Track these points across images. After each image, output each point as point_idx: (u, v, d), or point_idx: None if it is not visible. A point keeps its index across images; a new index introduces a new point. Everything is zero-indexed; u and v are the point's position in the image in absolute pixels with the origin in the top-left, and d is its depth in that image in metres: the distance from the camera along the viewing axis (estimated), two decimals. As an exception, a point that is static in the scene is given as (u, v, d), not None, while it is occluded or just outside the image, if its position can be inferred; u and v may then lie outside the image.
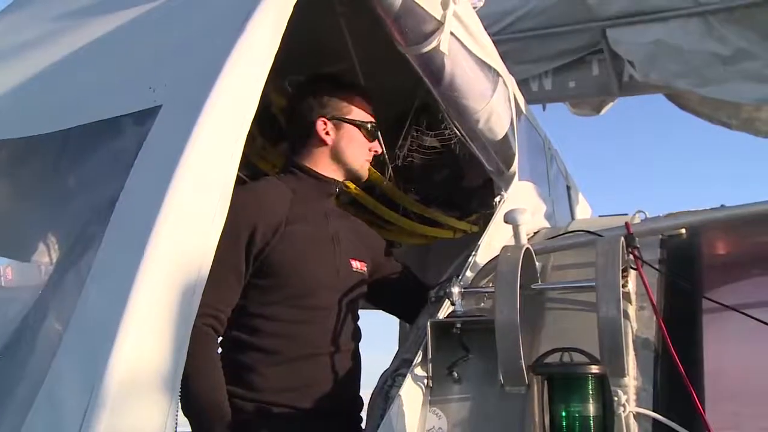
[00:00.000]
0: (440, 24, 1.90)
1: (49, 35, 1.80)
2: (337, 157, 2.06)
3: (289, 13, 1.47)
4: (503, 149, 2.47)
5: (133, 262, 1.15)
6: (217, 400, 1.72)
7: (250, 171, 2.80)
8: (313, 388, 1.85)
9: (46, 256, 1.54)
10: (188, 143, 1.26)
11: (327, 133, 2.05)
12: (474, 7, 2.23)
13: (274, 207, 1.92)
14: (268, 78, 1.44)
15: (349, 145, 2.06)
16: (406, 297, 2.21)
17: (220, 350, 1.90)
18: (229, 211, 1.85)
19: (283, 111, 2.73)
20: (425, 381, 1.74)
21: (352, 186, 2.59)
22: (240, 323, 1.85)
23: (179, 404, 1.19)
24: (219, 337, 1.82)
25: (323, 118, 2.05)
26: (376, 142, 2.13)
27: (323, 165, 2.06)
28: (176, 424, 1.17)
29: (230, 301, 1.83)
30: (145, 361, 1.12)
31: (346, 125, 2.06)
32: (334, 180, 2.07)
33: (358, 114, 2.08)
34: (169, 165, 1.24)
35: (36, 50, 1.76)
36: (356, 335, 2.00)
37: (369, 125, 2.10)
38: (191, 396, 1.70)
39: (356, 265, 2.04)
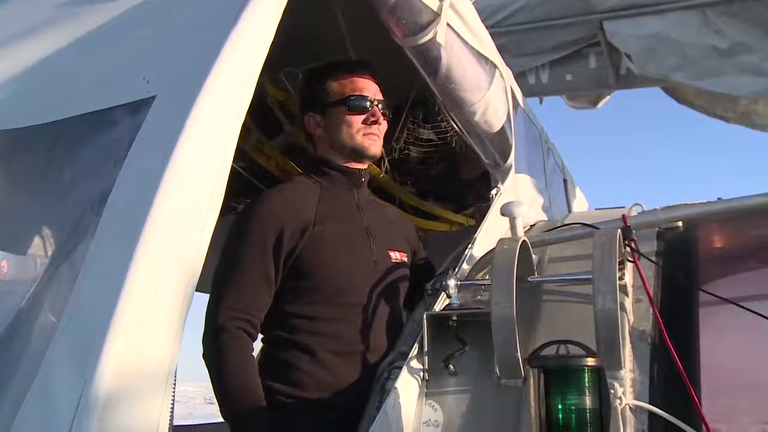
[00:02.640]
0: (437, 15, 1.89)
1: (43, 26, 1.78)
2: (333, 143, 2.01)
3: (285, 4, 1.46)
4: (500, 142, 2.46)
5: (127, 254, 1.14)
6: (254, 399, 1.72)
7: (245, 163, 2.80)
8: (352, 385, 1.82)
9: (40, 249, 1.53)
10: (182, 134, 1.25)
11: (317, 126, 2.03)
12: (471, -1, 2.22)
13: (300, 208, 1.90)
14: (263, 70, 1.43)
15: (337, 127, 2.00)
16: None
17: (261, 347, 1.91)
18: (255, 214, 1.88)
19: (279, 104, 2.73)
20: (421, 374, 1.73)
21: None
22: (280, 323, 1.85)
23: (174, 397, 1.18)
24: (253, 339, 1.82)
25: (309, 113, 2.04)
26: (370, 111, 1.99)
27: (332, 155, 2.02)
28: (171, 417, 1.17)
29: (260, 304, 1.82)
30: (138, 354, 1.12)
31: (329, 109, 2.01)
32: (358, 169, 2.03)
33: (337, 92, 2.00)
34: (163, 155, 1.23)
35: (30, 41, 1.75)
36: (398, 329, 1.95)
37: (351, 98, 1.99)
38: (228, 398, 1.73)
39: (395, 255, 2.01)
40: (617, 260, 1.59)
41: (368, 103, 1.99)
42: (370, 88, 2.02)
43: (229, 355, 1.75)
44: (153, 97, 1.36)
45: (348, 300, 1.87)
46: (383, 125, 2.04)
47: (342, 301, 1.86)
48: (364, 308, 1.88)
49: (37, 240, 1.52)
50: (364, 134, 1.99)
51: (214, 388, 1.75)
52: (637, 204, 2.16)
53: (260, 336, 1.91)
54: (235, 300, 1.78)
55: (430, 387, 1.73)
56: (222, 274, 1.82)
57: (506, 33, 3.91)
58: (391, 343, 1.90)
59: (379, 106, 2.01)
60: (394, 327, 1.94)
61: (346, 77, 2.02)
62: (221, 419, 1.76)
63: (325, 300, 1.85)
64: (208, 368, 1.76)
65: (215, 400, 1.75)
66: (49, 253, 1.45)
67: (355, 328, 1.86)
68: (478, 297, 1.93)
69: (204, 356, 1.77)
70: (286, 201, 1.92)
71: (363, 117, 1.99)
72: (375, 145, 2.02)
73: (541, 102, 4.47)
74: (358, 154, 2.00)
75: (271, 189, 2.05)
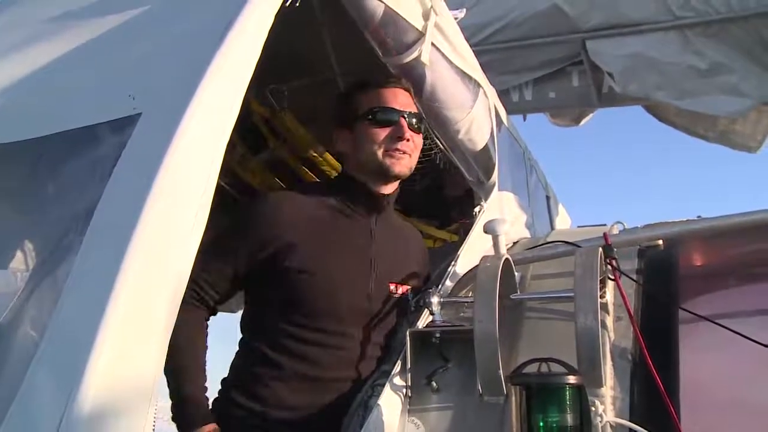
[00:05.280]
0: (421, 35, 1.91)
1: (28, 41, 1.78)
2: (358, 160, 1.91)
3: (271, 22, 1.47)
4: (483, 159, 2.48)
5: (111, 271, 1.14)
6: (184, 364, 1.69)
7: (230, 179, 2.80)
8: (320, 411, 1.75)
9: (23, 265, 1.52)
10: (168, 151, 1.25)
11: (344, 142, 1.94)
12: (455, 18, 2.25)
13: (301, 218, 1.82)
14: (249, 87, 1.43)
15: (362, 143, 1.89)
16: None
17: (236, 353, 1.88)
18: (252, 209, 1.85)
19: (264, 120, 2.74)
20: (404, 390, 1.73)
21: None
22: (261, 336, 1.81)
23: (156, 414, 1.18)
24: (208, 312, 1.81)
25: (338, 129, 1.96)
26: (394, 125, 1.87)
27: (358, 174, 1.92)
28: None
29: (214, 283, 1.78)
30: (122, 372, 1.11)
31: (356, 124, 1.90)
32: (382, 194, 1.92)
33: (364, 106, 1.90)
34: (148, 173, 1.23)
35: (14, 56, 1.75)
36: (381, 362, 1.85)
37: (375, 111, 1.87)
38: (171, 374, 1.67)
39: (395, 289, 1.90)
40: (598, 278, 1.61)
41: (394, 115, 1.87)
42: (398, 100, 1.90)
43: (179, 326, 1.61)
44: (138, 114, 1.36)
45: (330, 327, 1.80)
46: (415, 141, 1.91)
47: (323, 326, 1.79)
48: (347, 338, 1.81)
49: (20, 256, 1.51)
50: (386, 150, 1.86)
51: None
52: (618, 222, 2.18)
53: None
54: (198, 274, 1.71)
55: (413, 404, 1.74)
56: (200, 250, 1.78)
57: (490, 51, 3.95)
58: (369, 376, 1.81)
59: (410, 119, 1.89)
60: (376, 359, 1.85)
61: (374, 90, 1.91)
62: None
63: (304, 320, 1.79)
64: None
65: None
66: (32, 269, 1.45)
67: (332, 357, 1.79)
68: (461, 314, 1.94)
69: None
70: (288, 208, 1.85)
71: (388, 131, 1.87)
72: (400, 164, 1.87)
73: (524, 119, 4.51)
74: (382, 173, 1.88)
75: (282, 191, 1.98)
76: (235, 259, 1.80)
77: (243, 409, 1.76)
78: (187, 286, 1.66)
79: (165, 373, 1.65)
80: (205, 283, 1.78)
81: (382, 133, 1.87)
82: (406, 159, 1.89)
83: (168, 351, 1.65)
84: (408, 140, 1.87)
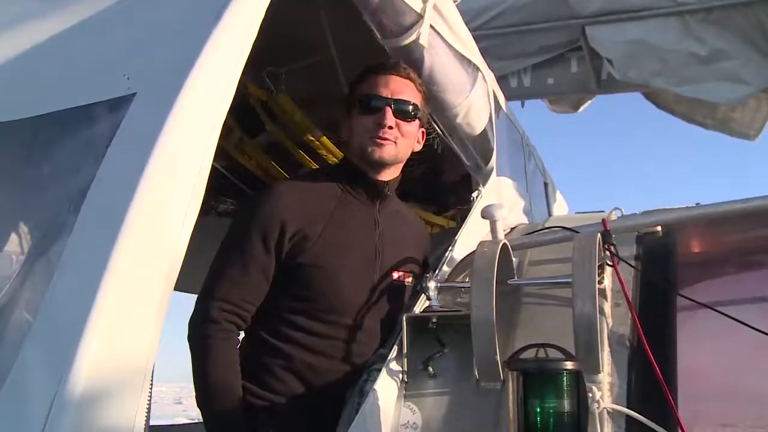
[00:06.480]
0: (420, 17, 1.89)
1: (21, 20, 1.76)
2: (352, 147, 1.92)
3: (268, 3, 1.45)
4: (481, 144, 2.47)
5: (104, 252, 1.13)
6: (234, 401, 1.71)
7: (226, 162, 2.79)
8: (327, 400, 1.78)
9: (16, 246, 1.51)
10: (162, 131, 1.23)
11: (344, 129, 1.95)
12: (454, 1, 2.23)
13: (311, 211, 1.82)
14: (246, 70, 1.41)
15: (354, 130, 1.90)
16: None
17: (242, 339, 1.87)
18: (264, 205, 1.82)
19: (261, 103, 2.72)
20: (400, 375, 1.73)
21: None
22: (265, 322, 1.82)
23: (151, 396, 1.17)
24: (241, 331, 1.80)
25: (342, 117, 1.96)
26: (378, 112, 1.86)
27: (356, 161, 1.91)
28: (148, 416, 1.15)
29: (254, 299, 1.78)
30: (114, 353, 1.10)
31: (352, 112, 1.91)
32: (381, 180, 1.92)
33: (358, 94, 1.90)
34: (142, 153, 1.22)
35: (8, 35, 1.73)
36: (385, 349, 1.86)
37: (361, 98, 1.88)
38: (209, 393, 1.71)
39: (399, 276, 1.92)
40: (596, 264, 1.59)
41: (380, 103, 1.86)
42: (389, 87, 1.88)
43: (217, 350, 1.72)
44: (133, 95, 1.34)
45: (338, 319, 1.82)
46: (402, 129, 1.88)
47: (331, 319, 1.81)
48: (353, 329, 1.83)
49: (14, 237, 1.49)
50: (370, 137, 1.86)
51: (194, 376, 1.72)
52: (616, 208, 2.17)
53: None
54: (229, 292, 1.74)
55: (409, 389, 1.73)
56: (222, 259, 1.79)
57: (489, 36, 3.93)
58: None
59: (399, 106, 1.87)
60: (381, 347, 1.87)
61: (370, 77, 1.90)
62: (189, 420, 1.74)
63: (313, 313, 1.81)
64: (191, 354, 1.72)
65: (182, 401, 1.74)
66: (26, 250, 1.43)
67: (339, 348, 1.82)
68: (458, 299, 1.94)
69: (189, 340, 1.74)
70: (298, 200, 1.84)
71: (372, 118, 1.86)
72: (381, 150, 1.86)
73: (522, 105, 4.50)
74: (366, 159, 1.88)
75: (286, 181, 1.97)
76: (268, 266, 1.78)
77: (251, 394, 1.77)
78: (224, 310, 1.73)
79: (204, 399, 1.71)
80: (246, 303, 1.77)
81: (368, 120, 1.87)
82: (389, 146, 1.87)
83: (209, 381, 1.70)
84: (391, 128, 1.86)
